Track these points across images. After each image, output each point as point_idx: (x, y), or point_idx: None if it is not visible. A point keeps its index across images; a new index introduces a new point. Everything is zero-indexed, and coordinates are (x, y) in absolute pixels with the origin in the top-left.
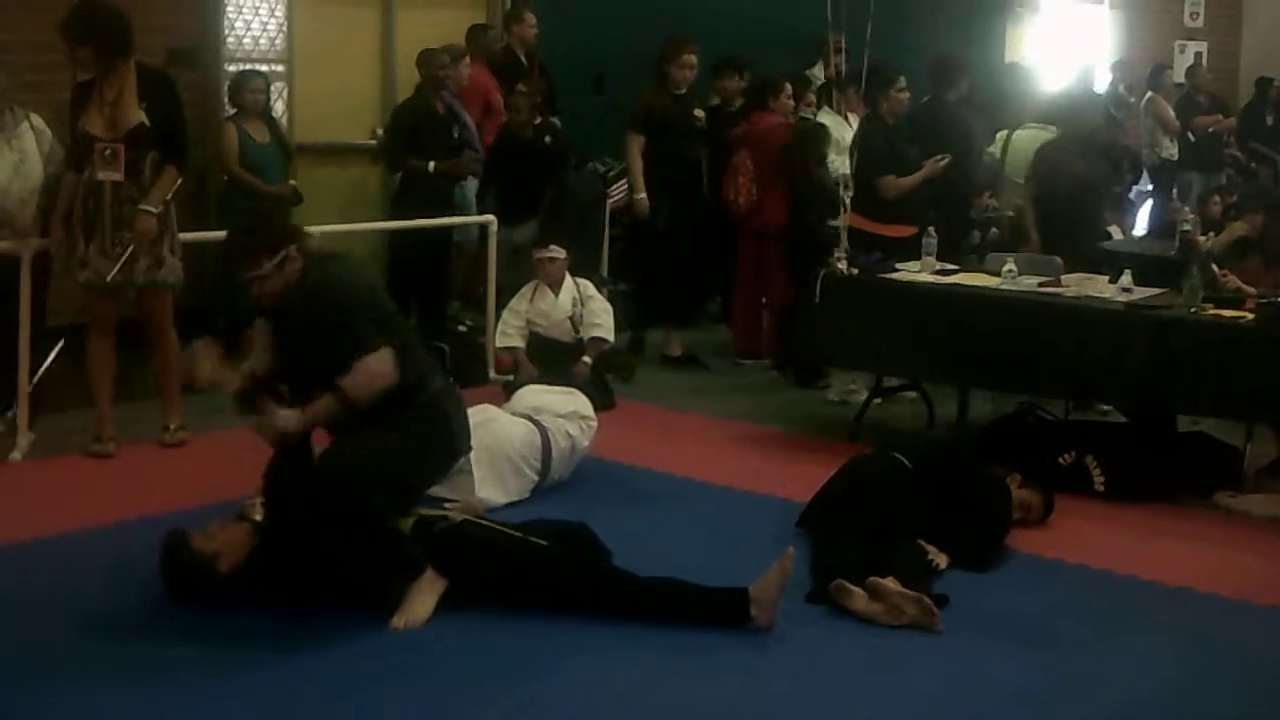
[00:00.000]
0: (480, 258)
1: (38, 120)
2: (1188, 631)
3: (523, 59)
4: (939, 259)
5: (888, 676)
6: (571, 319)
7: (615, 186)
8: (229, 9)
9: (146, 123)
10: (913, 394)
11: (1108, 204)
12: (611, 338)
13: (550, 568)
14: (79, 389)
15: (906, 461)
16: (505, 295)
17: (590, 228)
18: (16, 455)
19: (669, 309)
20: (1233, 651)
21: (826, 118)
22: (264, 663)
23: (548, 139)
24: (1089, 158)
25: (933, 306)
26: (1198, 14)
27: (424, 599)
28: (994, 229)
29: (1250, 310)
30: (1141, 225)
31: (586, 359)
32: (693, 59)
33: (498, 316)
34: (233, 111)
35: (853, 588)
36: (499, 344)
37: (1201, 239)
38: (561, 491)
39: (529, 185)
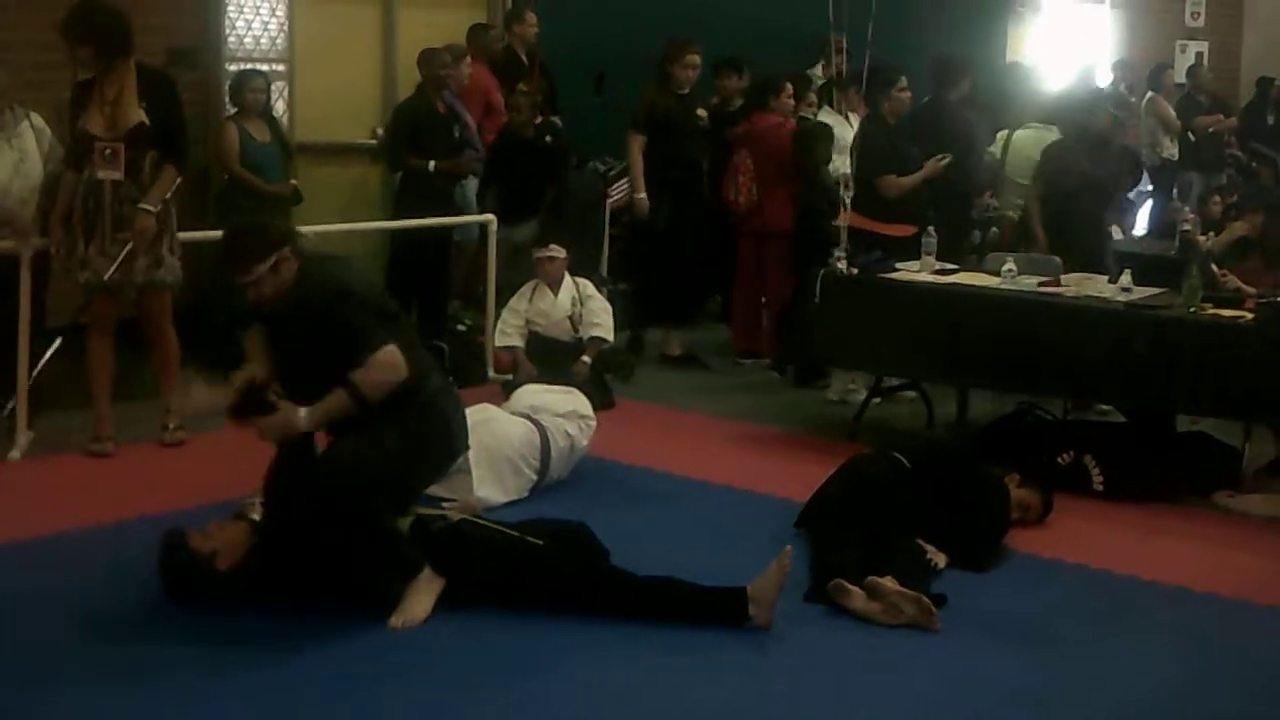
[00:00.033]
0: (480, 257)
1: (37, 119)
2: (1187, 631)
3: (523, 58)
4: (939, 258)
5: (886, 676)
6: (571, 318)
7: (616, 186)
8: (230, 9)
9: (146, 122)
10: (912, 393)
11: (1114, 204)
12: (611, 337)
13: (549, 567)
14: (78, 388)
15: (905, 461)
16: (505, 294)
17: (590, 227)
18: (16, 454)
19: (669, 309)
20: (1232, 651)
21: (827, 117)
22: (263, 662)
23: (548, 138)
24: (1096, 158)
25: (932, 306)
26: (1199, 14)
27: (422, 598)
28: (994, 229)
29: (1250, 310)
30: (1141, 225)
31: (586, 358)
32: (696, 59)
33: (497, 316)
34: (233, 111)
35: (851, 587)
36: (498, 343)
37: (1201, 239)
38: (560, 491)
39: (529, 185)
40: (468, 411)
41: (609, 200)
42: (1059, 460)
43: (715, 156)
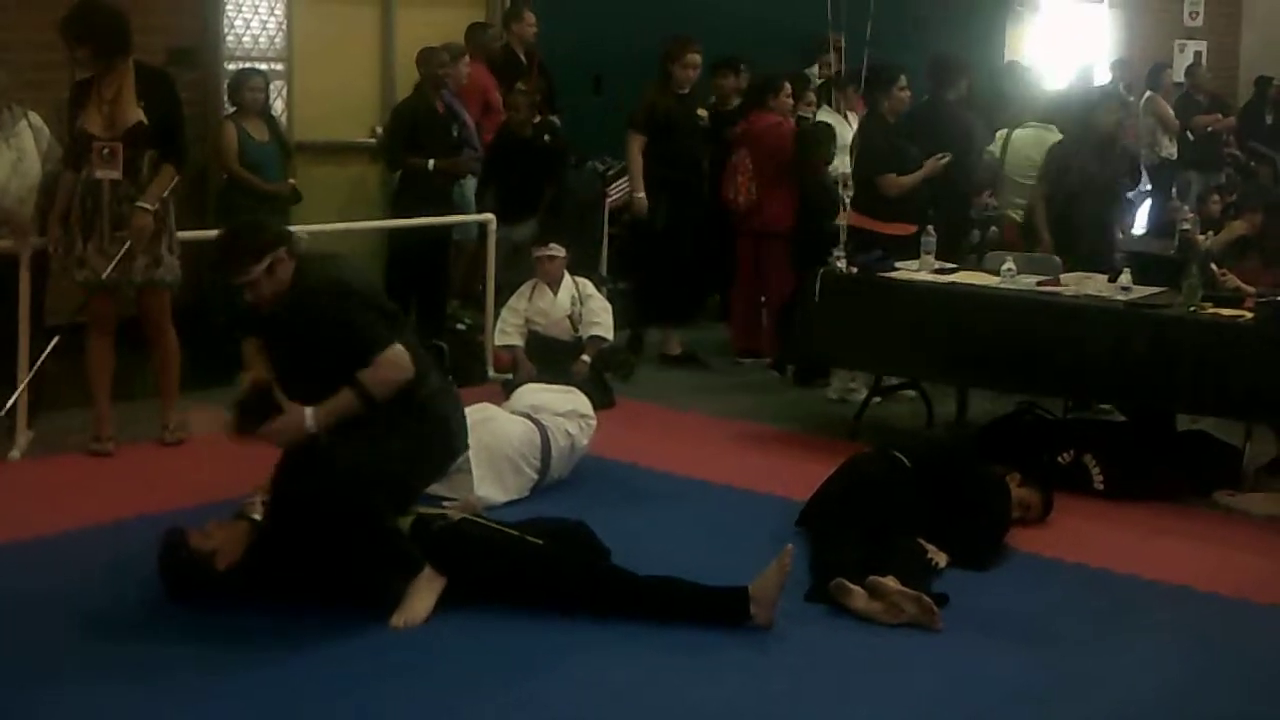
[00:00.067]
0: (479, 256)
1: (36, 118)
2: (1187, 630)
3: (522, 58)
4: (938, 257)
5: (887, 675)
6: (570, 317)
7: (615, 185)
8: (228, 8)
9: (145, 121)
10: (912, 393)
11: (1119, 203)
12: (610, 336)
13: (549, 566)
14: (78, 388)
15: (906, 460)
16: (504, 294)
17: (589, 227)
18: (16, 454)
19: (668, 308)
20: (1232, 650)
21: (826, 116)
22: (263, 661)
23: (547, 138)
24: (1101, 157)
25: (932, 305)
26: (1197, 13)
27: (423, 597)
28: (993, 228)
29: (1249, 309)
30: (1140, 224)
31: (585, 357)
32: (697, 58)
33: (497, 315)
34: (232, 110)
35: (852, 586)
36: (498, 342)
37: (1201, 238)
38: (561, 490)
39: (528, 184)
40: (468, 411)
41: (608, 199)
42: (1059, 459)
43: (714, 156)
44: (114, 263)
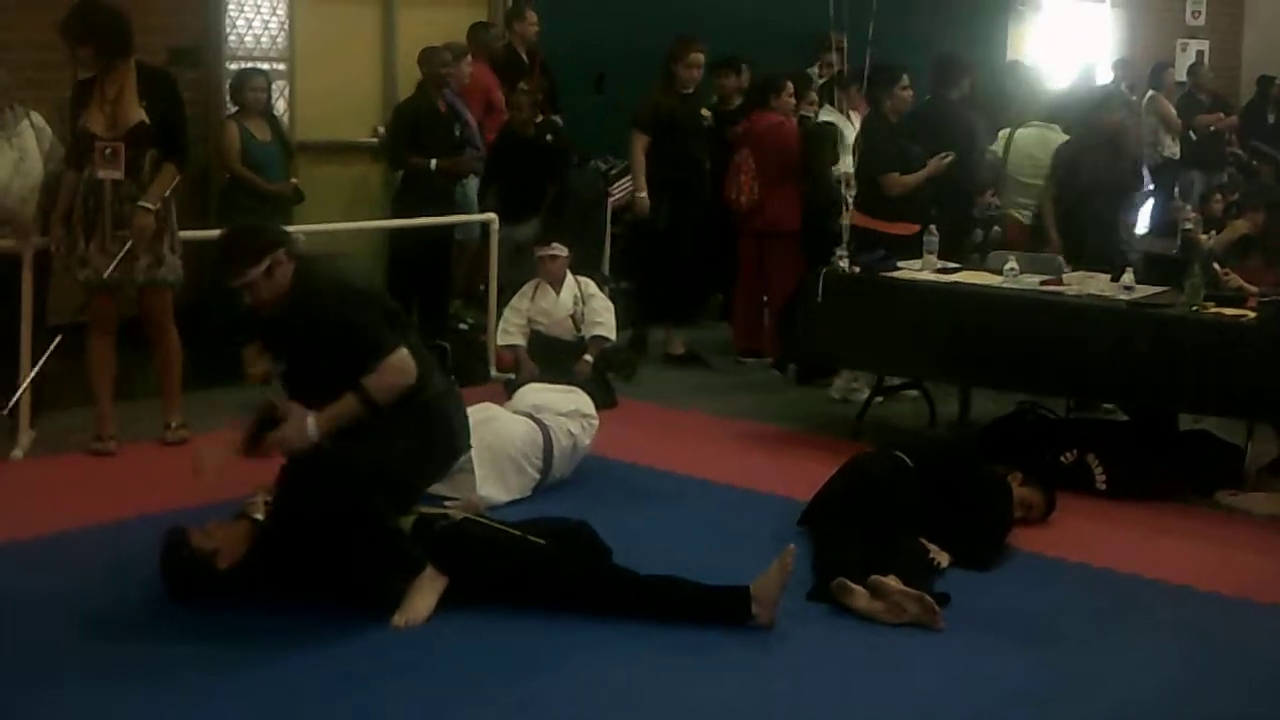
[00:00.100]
0: (482, 256)
1: (38, 118)
2: (1189, 630)
3: (524, 57)
4: (941, 257)
5: (889, 675)
6: (573, 317)
7: (617, 185)
8: (230, 7)
9: (147, 121)
10: (914, 392)
11: (1126, 204)
12: (613, 336)
13: (551, 566)
14: (80, 387)
15: (908, 460)
16: (507, 293)
17: (592, 226)
18: (18, 453)
19: (670, 308)
20: (1234, 650)
21: (828, 116)
22: (264, 661)
23: (549, 137)
24: (1109, 157)
25: (934, 305)
26: (1199, 12)
27: (424, 597)
28: (996, 227)
29: (1252, 309)
30: (1143, 224)
31: (588, 357)
32: (700, 58)
33: (499, 315)
34: (234, 110)
35: (854, 586)
36: (500, 342)
37: (1203, 237)
38: (563, 490)
39: (530, 183)
40: (470, 410)
41: (610, 199)
42: (1061, 459)
43: (715, 156)
44: (115, 262)
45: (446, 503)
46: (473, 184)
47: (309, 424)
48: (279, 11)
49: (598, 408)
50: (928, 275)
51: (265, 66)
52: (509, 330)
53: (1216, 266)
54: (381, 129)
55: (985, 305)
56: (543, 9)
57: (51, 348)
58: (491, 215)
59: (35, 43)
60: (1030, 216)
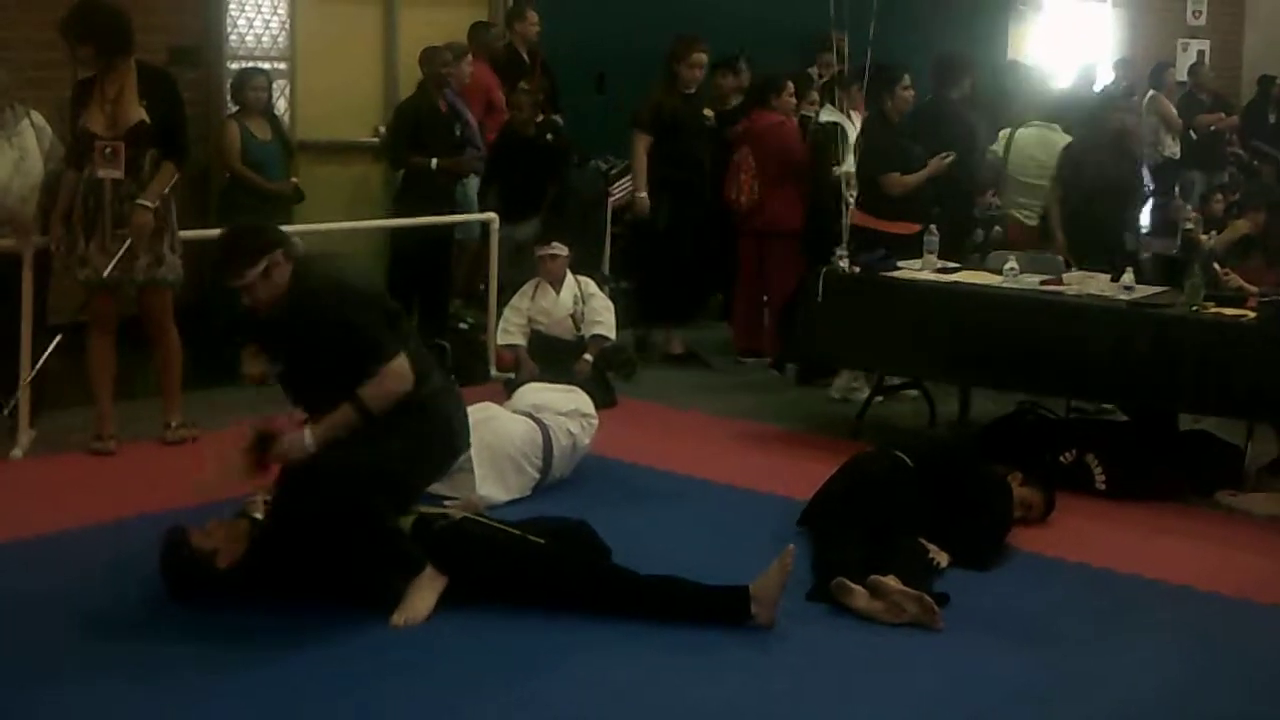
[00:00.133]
0: (482, 255)
1: (38, 117)
2: (1189, 630)
3: (525, 57)
4: (941, 257)
5: (889, 675)
6: (573, 317)
7: (617, 185)
8: (231, 7)
9: (147, 120)
10: (914, 392)
11: (1132, 204)
12: (613, 335)
13: (550, 565)
14: (80, 387)
15: (908, 460)
16: (507, 293)
17: (592, 226)
18: (18, 452)
19: (670, 309)
20: (1234, 650)
21: (829, 115)
22: (264, 660)
23: (550, 137)
24: (1115, 157)
25: (934, 305)
26: (1200, 12)
27: (424, 596)
28: (996, 227)
29: (1252, 309)
30: (1143, 224)
31: (588, 357)
32: (703, 58)
33: (499, 314)
34: (235, 109)
35: (854, 586)
36: (500, 341)
37: (1204, 237)
38: (562, 489)
39: (531, 183)
40: (470, 410)
41: (611, 199)
42: (1061, 459)
43: (715, 155)
44: (115, 261)
45: (446, 502)
46: (473, 183)
47: (305, 435)
48: (280, 11)
49: (597, 407)
50: (928, 275)
51: (266, 66)
52: (509, 330)
53: (1217, 266)
54: (382, 128)
55: (985, 305)
56: (543, 9)
57: (51, 347)
58: (492, 215)
59: (35, 42)
60: (1031, 216)
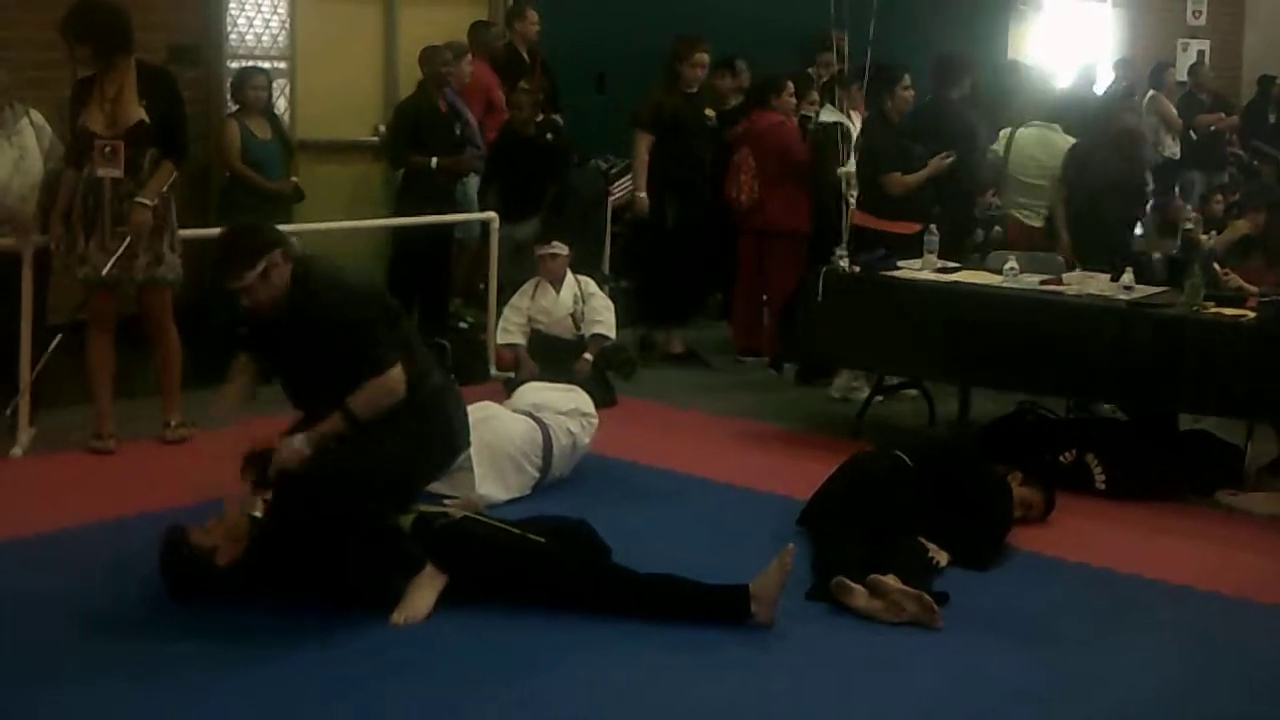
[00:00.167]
0: (482, 254)
1: (37, 116)
2: (1189, 630)
3: (525, 56)
4: (941, 257)
5: (888, 674)
6: (573, 316)
7: (617, 184)
8: (231, 6)
9: (146, 120)
10: (914, 392)
11: (1138, 205)
12: (613, 335)
13: (550, 564)
14: (79, 385)
15: (907, 459)
16: (507, 292)
17: (592, 225)
18: (17, 451)
19: (670, 309)
20: (1234, 650)
21: (829, 115)
22: (264, 659)
23: (550, 136)
24: (1121, 158)
25: (934, 304)
26: (1200, 12)
27: (424, 595)
28: (997, 227)
29: (1252, 309)
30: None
31: (588, 356)
32: (705, 57)
33: (499, 313)
34: (235, 108)
35: (853, 585)
36: (500, 341)
37: (1204, 237)
38: (562, 488)
39: (531, 182)
40: (470, 409)
41: (611, 198)
42: (1061, 459)
43: (714, 155)
44: (114, 259)
45: (446, 501)
46: (473, 183)
47: (298, 442)
48: (280, 10)
49: (597, 406)
50: (928, 275)
51: (266, 65)
52: (509, 329)
53: (1217, 267)
54: (382, 128)
55: (985, 305)
56: (543, 8)
57: (52, 347)
58: (492, 214)
59: (35, 41)
60: (1031, 216)
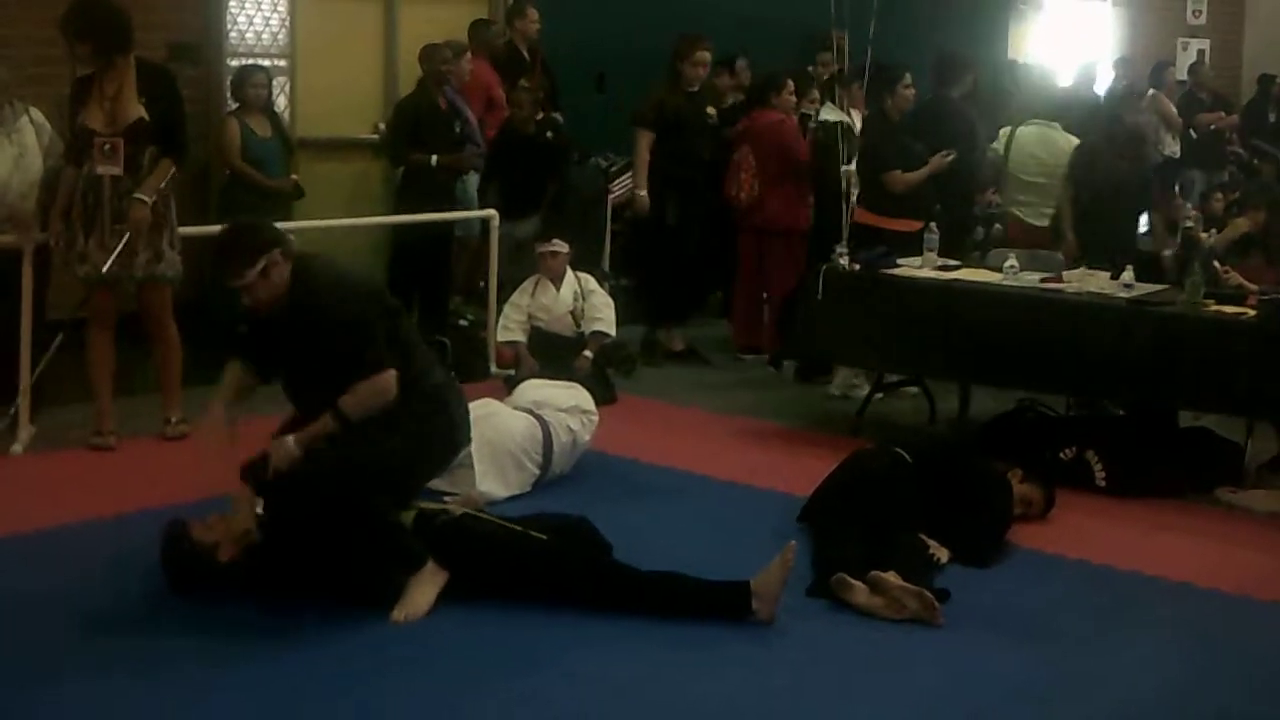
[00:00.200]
0: (482, 252)
1: (37, 114)
2: (1189, 627)
3: (525, 54)
4: (942, 254)
5: (889, 671)
6: (573, 313)
7: (617, 182)
8: (231, 4)
9: (146, 118)
10: (914, 389)
11: (1143, 204)
12: (613, 332)
13: (551, 561)
14: (79, 383)
15: (908, 456)
16: (507, 290)
17: (592, 223)
18: (18, 448)
19: (670, 308)
20: (1234, 647)
21: (829, 113)
22: (265, 655)
23: (549, 134)
24: (1128, 157)
25: (934, 302)
26: (1200, 11)
27: (425, 591)
28: (997, 225)
29: (1252, 307)
30: (1143, 223)
31: (588, 353)
32: (706, 56)
33: (499, 311)
34: (235, 106)
35: (854, 582)
36: (500, 338)
37: (1204, 236)
38: (563, 485)
39: (531, 180)
40: (470, 406)
41: (611, 196)
42: (1061, 456)
43: (716, 154)
44: (114, 256)
45: (446, 498)
46: (473, 181)
47: (290, 443)
48: (280, 8)
49: (598, 403)
50: (928, 273)
51: (266, 63)
52: (509, 326)
53: (1217, 265)
54: (382, 125)
55: (985, 302)
56: (543, 7)
57: (54, 346)
58: (492, 212)
59: (35, 39)
60: (1031, 214)
